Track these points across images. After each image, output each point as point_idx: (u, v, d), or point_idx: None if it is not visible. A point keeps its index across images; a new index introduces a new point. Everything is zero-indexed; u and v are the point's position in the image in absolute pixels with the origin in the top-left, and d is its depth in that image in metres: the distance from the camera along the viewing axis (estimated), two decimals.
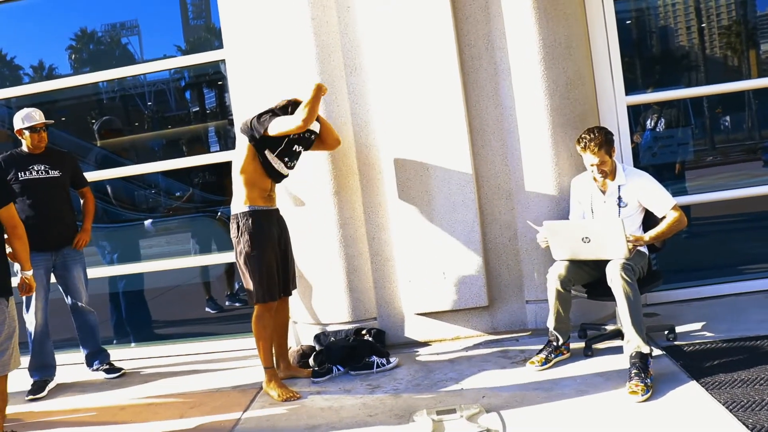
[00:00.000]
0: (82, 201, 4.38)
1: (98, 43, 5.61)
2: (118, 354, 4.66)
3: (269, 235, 3.62)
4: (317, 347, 4.07)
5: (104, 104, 5.81)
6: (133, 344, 4.99)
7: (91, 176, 4.72)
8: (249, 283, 3.62)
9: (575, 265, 3.56)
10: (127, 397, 3.96)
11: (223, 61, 4.60)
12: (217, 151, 5.38)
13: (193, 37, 5.69)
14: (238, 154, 3.64)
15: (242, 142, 3.64)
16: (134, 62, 5.44)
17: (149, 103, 5.88)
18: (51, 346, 4.22)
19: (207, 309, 5.48)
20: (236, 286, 5.57)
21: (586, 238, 3.43)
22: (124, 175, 5.13)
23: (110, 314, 5.08)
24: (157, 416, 3.60)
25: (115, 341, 5.02)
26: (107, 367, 4.35)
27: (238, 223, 3.59)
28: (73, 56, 5.61)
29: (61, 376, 4.32)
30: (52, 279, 4.22)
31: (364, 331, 4.07)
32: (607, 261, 3.41)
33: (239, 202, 3.62)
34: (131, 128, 5.95)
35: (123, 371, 4.37)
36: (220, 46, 4.57)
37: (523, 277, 4.17)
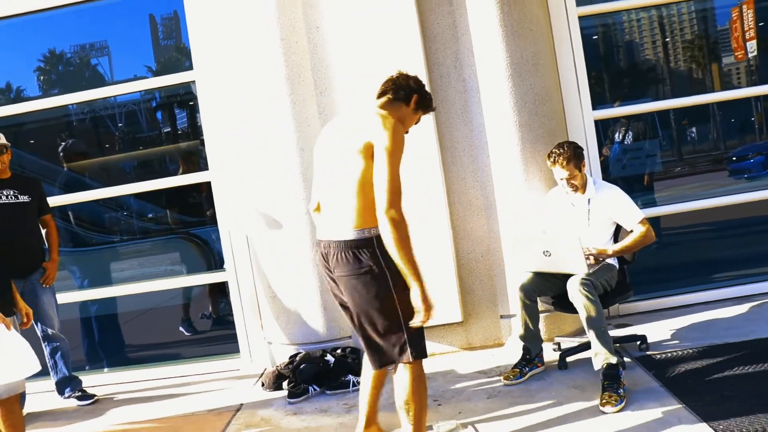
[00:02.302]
0: (44, 229, 4.32)
1: (67, 64, 5.56)
2: (92, 380, 4.57)
3: None
4: (293, 367, 4.04)
5: (74, 126, 5.74)
6: (106, 369, 4.91)
7: (61, 200, 4.68)
8: (396, 335, 2.54)
9: (542, 276, 3.60)
10: (101, 424, 3.89)
11: (194, 81, 4.59)
12: (182, 173, 5.32)
13: (163, 58, 5.67)
14: (366, 154, 2.49)
15: (361, 142, 2.51)
16: (104, 83, 5.39)
17: (120, 125, 5.83)
18: None
19: (181, 329, 5.42)
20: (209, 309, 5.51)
21: (547, 251, 3.47)
22: (97, 197, 5.06)
23: (82, 339, 5.00)
24: None
25: (87, 367, 4.94)
26: (79, 394, 4.26)
27: (374, 252, 2.50)
28: (42, 78, 5.55)
29: (31, 404, 4.24)
30: None
31: (339, 350, 4.06)
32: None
33: (367, 221, 2.52)
34: (102, 150, 5.90)
35: (96, 398, 4.29)
36: (191, 66, 4.56)
37: (496, 292, 4.20)
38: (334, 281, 2.66)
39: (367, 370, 2.86)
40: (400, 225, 2.41)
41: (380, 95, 2.74)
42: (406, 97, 2.72)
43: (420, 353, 2.55)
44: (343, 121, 2.74)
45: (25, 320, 3.23)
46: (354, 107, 4.06)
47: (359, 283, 2.53)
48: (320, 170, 2.74)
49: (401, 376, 2.57)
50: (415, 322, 2.44)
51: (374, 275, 2.51)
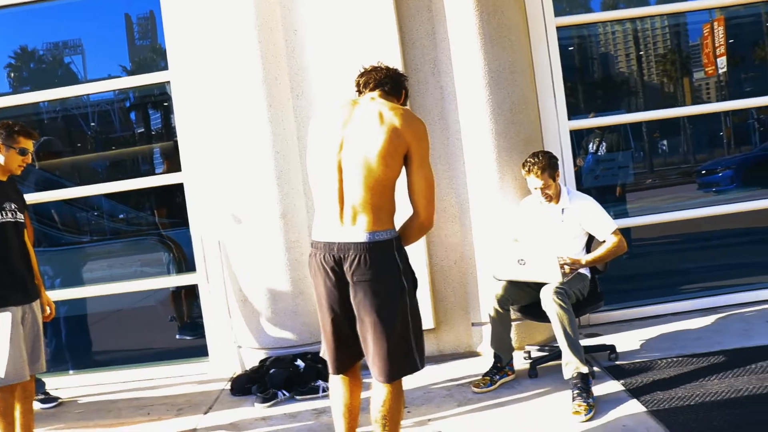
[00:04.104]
0: None
1: (40, 61, 5.47)
2: (56, 382, 4.48)
3: None
4: (262, 372, 4.00)
5: (45, 124, 5.64)
6: (71, 371, 4.81)
7: (30, 198, 4.57)
8: (405, 346, 2.45)
9: (515, 285, 3.62)
10: (64, 427, 3.81)
11: (169, 82, 4.54)
12: (161, 173, 5.27)
13: (138, 57, 5.61)
14: (395, 154, 2.40)
15: (386, 143, 2.39)
16: (77, 81, 5.31)
17: (92, 124, 5.75)
18: None
19: (179, 336, 5.27)
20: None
21: (522, 260, 3.49)
22: (68, 197, 4.96)
23: (48, 340, 4.88)
24: None
25: (52, 369, 4.82)
26: (42, 397, 4.16)
27: (394, 255, 2.44)
28: (13, 74, 5.44)
29: None
30: None
31: (309, 355, 4.03)
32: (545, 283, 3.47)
33: (386, 222, 2.44)
34: (74, 149, 5.80)
35: (60, 400, 4.20)
36: (166, 66, 4.51)
37: (468, 299, 4.21)
38: (337, 287, 2.47)
39: (339, 389, 2.63)
40: (428, 231, 2.54)
41: (376, 85, 2.62)
42: (399, 92, 2.66)
43: (422, 362, 2.49)
44: (353, 118, 2.51)
45: (47, 312, 3.33)
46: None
47: (380, 287, 2.39)
48: (327, 169, 2.48)
49: (381, 390, 2.47)
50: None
51: (396, 279, 2.42)
